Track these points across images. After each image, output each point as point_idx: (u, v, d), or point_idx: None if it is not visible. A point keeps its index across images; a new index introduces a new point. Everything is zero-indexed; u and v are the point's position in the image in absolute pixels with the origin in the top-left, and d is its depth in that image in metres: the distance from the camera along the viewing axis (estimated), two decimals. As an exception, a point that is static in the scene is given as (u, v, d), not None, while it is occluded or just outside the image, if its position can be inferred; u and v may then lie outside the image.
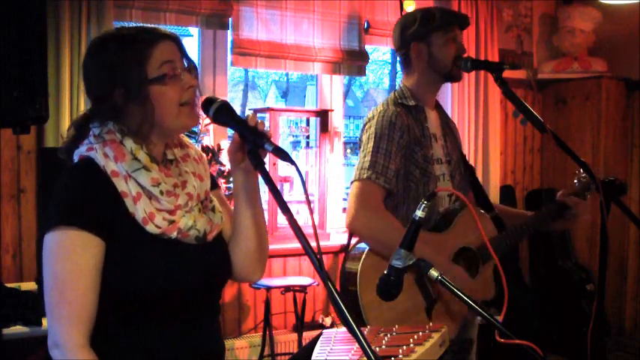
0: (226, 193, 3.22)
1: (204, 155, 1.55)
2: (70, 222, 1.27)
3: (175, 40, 1.40)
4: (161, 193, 1.34)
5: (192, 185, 1.42)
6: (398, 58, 2.37)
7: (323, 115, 4.25)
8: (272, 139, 1.30)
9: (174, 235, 1.35)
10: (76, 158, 1.38)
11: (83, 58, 1.42)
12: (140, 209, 1.32)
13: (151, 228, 1.32)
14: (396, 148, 2.13)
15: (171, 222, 1.34)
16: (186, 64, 1.41)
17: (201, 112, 1.43)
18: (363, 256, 2.08)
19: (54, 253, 1.28)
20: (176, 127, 1.41)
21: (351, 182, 2.15)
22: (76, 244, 1.27)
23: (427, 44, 2.24)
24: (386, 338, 1.48)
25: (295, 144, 7.92)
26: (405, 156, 2.16)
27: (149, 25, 1.43)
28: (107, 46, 1.37)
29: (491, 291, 2.18)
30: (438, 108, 2.38)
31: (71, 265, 1.27)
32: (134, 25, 3.47)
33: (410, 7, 4.13)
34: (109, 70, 1.35)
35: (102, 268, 1.30)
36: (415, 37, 2.26)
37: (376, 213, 2.08)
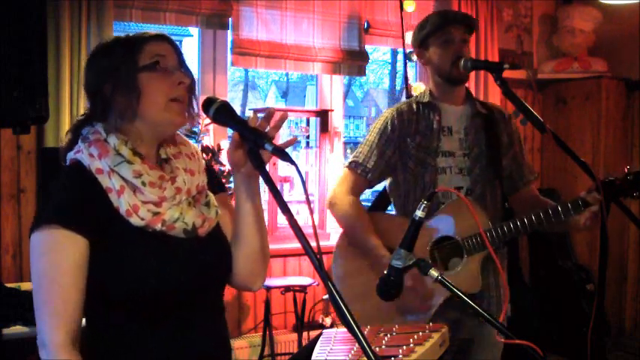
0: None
1: (199, 151, 1.53)
2: (51, 221, 1.28)
3: (169, 42, 1.42)
4: (143, 184, 1.33)
5: (182, 179, 1.40)
6: None
7: (323, 115, 4.25)
8: (282, 134, 1.30)
9: (158, 227, 1.34)
10: (67, 162, 1.39)
11: (86, 61, 1.45)
12: (124, 202, 1.31)
13: (135, 220, 1.31)
14: (384, 141, 2.31)
15: (156, 214, 1.34)
16: (181, 66, 1.42)
17: (201, 112, 1.43)
18: (339, 235, 2.41)
19: (36, 253, 1.29)
20: (162, 121, 1.39)
21: (341, 167, 2.46)
22: (58, 242, 1.27)
23: (426, 49, 2.34)
24: (386, 338, 1.48)
25: (295, 144, 7.92)
26: (399, 148, 2.31)
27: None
28: (104, 47, 1.41)
29: (476, 285, 2.16)
30: (470, 102, 2.39)
31: (53, 263, 1.27)
32: (134, 25, 3.50)
33: (410, 7, 4.13)
34: (101, 66, 1.38)
35: (87, 267, 1.30)
36: (416, 44, 2.39)
37: (345, 198, 2.31)
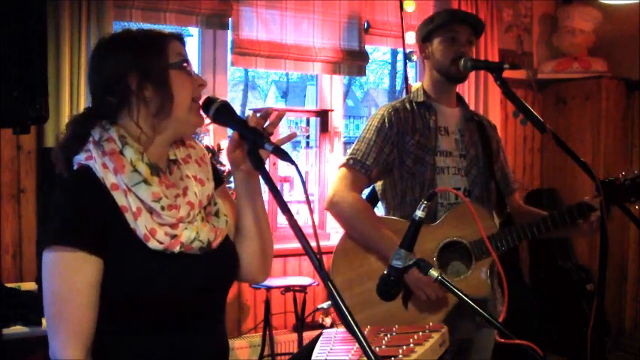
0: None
1: (207, 154, 1.52)
2: (66, 242, 1.25)
3: (184, 44, 1.41)
4: (162, 208, 1.30)
5: (192, 192, 1.39)
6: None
7: (323, 115, 4.25)
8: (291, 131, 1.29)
9: (177, 249, 1.32)
10: (75, 166, 1.34)
11: (92, 52, 1.39)
12: (141, 225, 1.28)
13: (153, 244, 1.29)
14: (382, 138, 2.27)
15: (174, 236, 1.31)
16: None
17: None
18: (339, 240, 2.31)
19: (50, 272, 1.27)
20: (187, 122, 1.38)
21: (337, 167, 2.37)
22: (72, 264, 1.25)
23: (429, 44, 2.33)
24: (386, 338, 1.48)
25: (295, 144, 7.93)
26: (397, 145, 2.27)
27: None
28: (122, 38, 1.37)
29: (485, 289, 2.16)
30: (462, 105, 2.43)
31: (67, 285, 1.25)
32: (134, 25, 3.49)
33: (410, 7, 4.13)
34: (124, 55, 1.33)
35: (100, 284, 1.28)
36: (420, 38, 2.38)
37: (347, 195, 2.24)
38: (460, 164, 2.30)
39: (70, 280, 1.25)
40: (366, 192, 2.49)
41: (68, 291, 1.25)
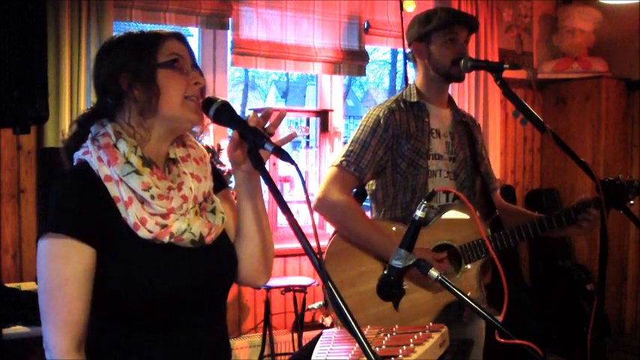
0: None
1: (207, 155, 1.53)
2: (58, 229, 1.27)
3: (185, 42, 1.42)
4: (152, 197, 1.32)
5: (188, 187, 1.40)
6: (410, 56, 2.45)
7: (323, 115, 4.25)
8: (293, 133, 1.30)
9: (166, 239, 1.33)
10: (74, 161, 1.38)
11: (96, 53, 1.43)
12: (132, 214, 1.30)
13: (142, 233, 1.30)
14: (377, 140, 2.24)
15: (164, 226, 1.32)
16: (195, 67, 1.43)
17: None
18: (330, 242, 2.27)
19: (43, 260, 1.29)
20: (180, 119, 1.39)
21: (329, 167, 2.32)
22: (64, 251, 1.27)
23: (427, 44, 2.30)
24: (386, 338, 1.48)
25: (295, 144, 7.92)
26: (391, 148, 2.25)
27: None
28: (120, 40, 1.40)
29: (473, 291, 2.17)
30: (452, 106, 2.41)
31: (58, 273, 1.27)
32: (134, 25, 3.50)
33: (410, 7, 4.13)
34: (118, 57, 1.36)
35: (93, 274, 1.29)
36: (416, 37, 2.33)
37: (340, 196, 2.21)
38: (450, 167, 2.30)
39: (62, 268, 1.27)
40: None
41: (59, 279, 1.27)
